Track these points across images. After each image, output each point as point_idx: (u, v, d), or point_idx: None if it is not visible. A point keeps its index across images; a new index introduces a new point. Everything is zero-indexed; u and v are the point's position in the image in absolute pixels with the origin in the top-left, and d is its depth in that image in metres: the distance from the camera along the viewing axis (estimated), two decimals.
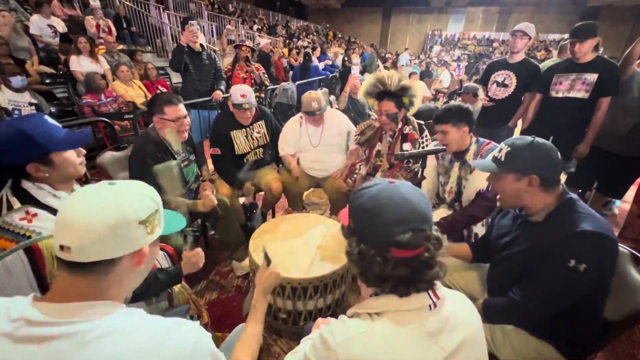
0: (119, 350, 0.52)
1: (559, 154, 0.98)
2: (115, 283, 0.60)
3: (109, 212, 0.56)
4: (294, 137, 2.34)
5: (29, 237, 0.87)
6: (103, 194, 0.57)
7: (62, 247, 0.54)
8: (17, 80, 2.70)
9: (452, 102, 1.67)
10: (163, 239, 1.73)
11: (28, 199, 0.92)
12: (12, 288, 0.85)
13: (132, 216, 0.58)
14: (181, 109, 1.66)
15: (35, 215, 0.90)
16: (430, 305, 0.62)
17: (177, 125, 1.65)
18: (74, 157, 0.98)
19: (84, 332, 0.52)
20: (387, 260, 0.60)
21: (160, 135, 1.68)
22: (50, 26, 4.36)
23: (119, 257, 0.58)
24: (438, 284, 0.65)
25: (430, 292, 0.63)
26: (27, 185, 0.93)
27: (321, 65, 6.04)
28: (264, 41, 5.73)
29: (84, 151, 1.03)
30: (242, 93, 2.08)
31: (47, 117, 0.96)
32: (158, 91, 4.24)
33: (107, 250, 0.56)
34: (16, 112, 2.74)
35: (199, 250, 1.25)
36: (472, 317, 0.68)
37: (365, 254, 0.63)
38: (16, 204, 0.91)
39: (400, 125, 1.98)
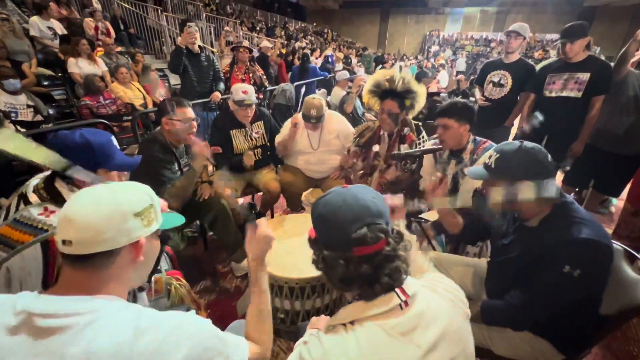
0: (113, 342, 0.53)
1: (549, 157, 0.97)
2: (115, 276, 0.63)
3: (105, 205, 0.61)
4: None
5: (47, 230, 0.90)
6: (100, 191, 0.63)
7: (64, 242, 0.58)
8: (10, 84, 2.73)
9: (458, 99, 1.67)
10: (162, 240, 1.73)
11: (53, 198, 0.97)
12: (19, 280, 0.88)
13: (127, 208, 0.62)
14: (190, 111, 1.74)
15: (53, 212, 0.95)
16: (400, 305, 0.61)
17: (186, 127, 1.71)
18: (115, 176, 1.10)
19: (82, 324, 0.54)
20: (350, 260, 0.62)
21: (167, 138, 1.73)
22: (50, 28, 4.37)
23: (117, 250, 0.61)
24: (407, 281, 0.65)
25: (398, 290, 0.63)
26: (59, 184, 1.00)
27: (319, 62, 6.05)
28: (264, 43, 5.75)
29: (126, 174, 1.14)
30: (244, 89, 2.11)
31: (113, 139, 1.10)
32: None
33: (105, 242, 0.59)
34: (13, 114, 2.75)
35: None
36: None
37: (329, 258, 0.64)
38: (35, 199, 0.96)
39: (398, 127, 2.00)
